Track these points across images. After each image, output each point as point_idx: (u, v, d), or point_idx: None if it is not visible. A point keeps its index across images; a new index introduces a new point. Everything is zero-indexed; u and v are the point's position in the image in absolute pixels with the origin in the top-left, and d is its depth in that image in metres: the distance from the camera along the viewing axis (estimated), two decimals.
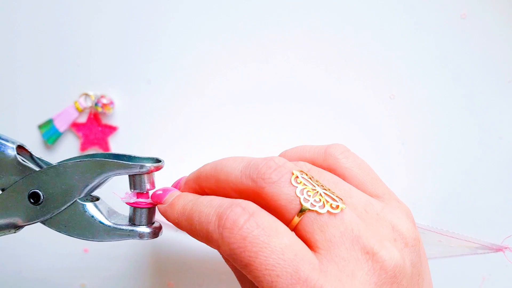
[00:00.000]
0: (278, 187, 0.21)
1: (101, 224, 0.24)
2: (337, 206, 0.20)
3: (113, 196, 0.27)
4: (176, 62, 0.49)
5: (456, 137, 0.50)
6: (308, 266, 0.19)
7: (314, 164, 0.24)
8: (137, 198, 0.25)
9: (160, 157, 0.26)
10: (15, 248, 0.52)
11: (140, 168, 0.24)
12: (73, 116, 0.49)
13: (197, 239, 0.23)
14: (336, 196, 0.21)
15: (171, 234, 0.51)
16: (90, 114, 0.50)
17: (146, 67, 0.49)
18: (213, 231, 0.20)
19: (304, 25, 0.49)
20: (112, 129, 0.50)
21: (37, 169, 0.25)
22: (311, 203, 0.20)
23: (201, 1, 0.49)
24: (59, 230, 0.25)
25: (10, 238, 0.50)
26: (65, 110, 0.49)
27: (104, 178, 0.25)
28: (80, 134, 0.50)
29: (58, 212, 0.25)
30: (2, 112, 0.50)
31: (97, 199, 0.26)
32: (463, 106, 0.50)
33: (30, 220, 0.25)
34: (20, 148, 0.26)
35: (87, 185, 0.25)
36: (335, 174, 0.24)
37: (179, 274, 0.52)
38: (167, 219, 0.24)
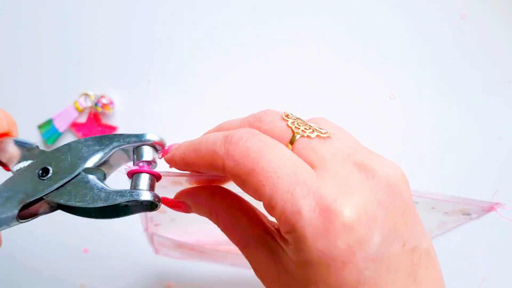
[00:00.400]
0: (272, 124, 0.23)
1: (102, 190, 0.24)
2: (326, 133, 0.22)
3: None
4: (176, 63, 0.49)
5: (456, 137, 0.50)
6: (306, 173, 0.20)
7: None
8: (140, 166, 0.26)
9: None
10: (16, 249, 0.52)
11: (143, 138, 0.25)
12: (73, 116, 0.49)
13: (201, 168, 0.23)
14: (323, 129, 0.23)
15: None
16: (90, 114, 0.50)
17: (146, 68, 0.49)
18: (219, 149, 0.22)
19: (305, 25, 0.49)
20: (112, 129, 0.50)
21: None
22: (302, 130, 0.22)
23: (201, 2, 0.49)
24: (61, 202, 0.24)
25: (11, 238, 0.50)
26: (65, 110, 0.49)
27: (111, 149, 0.25)
28: (80, 134, 0.50)
29: (63, 183, 0.25)
30: None
31: (104, 175, 0.26)
32: (463, 106, 0.50)
33: (36, 193, 0.25)
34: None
35: (93, 155, 0.25)
36: None
37: (180, 275, 0.52)
38: (173, 160, 0.25)
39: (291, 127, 0.22)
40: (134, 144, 0.25)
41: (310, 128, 0.22)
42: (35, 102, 0.50)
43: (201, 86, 0.50)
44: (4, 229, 0.25)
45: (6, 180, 0.25)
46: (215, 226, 0.25)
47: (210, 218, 0.25)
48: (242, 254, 0.24)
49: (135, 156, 0.26)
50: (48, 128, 0.49)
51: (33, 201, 0.25)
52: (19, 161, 0.26)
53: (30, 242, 0.51)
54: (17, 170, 0.26)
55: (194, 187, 0.26)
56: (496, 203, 0.31)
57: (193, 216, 0.27)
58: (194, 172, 0.25)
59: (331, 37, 0.49)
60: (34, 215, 0.26)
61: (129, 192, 0.23)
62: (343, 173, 0.21)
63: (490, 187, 0.50)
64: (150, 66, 0.49)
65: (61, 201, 0.24)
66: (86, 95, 0.49)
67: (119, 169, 0.27)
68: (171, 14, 0.49)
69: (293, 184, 0.20)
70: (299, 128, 0.22)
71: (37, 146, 0.27)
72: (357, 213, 0.20)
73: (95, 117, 0.49)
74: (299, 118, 0.23)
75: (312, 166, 0.21)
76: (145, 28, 0.49)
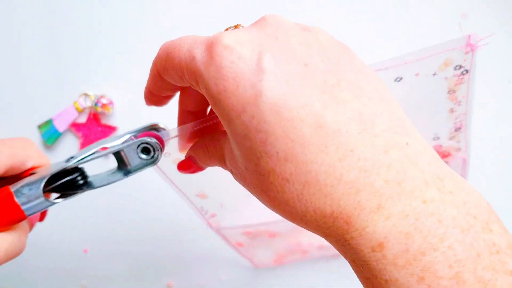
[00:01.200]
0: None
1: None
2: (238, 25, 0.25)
3: None
4: None
5: None
6: (206, 36, 0.23)
7: None
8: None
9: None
10: None
11: (141, 129, 0.32)
12: (72, 116, 0.49)
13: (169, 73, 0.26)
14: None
15: (171, 234, 0.52)
16: (89, 114, 0.50)
17: (146, 68, 0.49)
18: (154, 61, 0.27)
19: None
20: (111, 129, 0.50)
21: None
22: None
23: (201, 2, 0.49)
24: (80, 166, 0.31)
25: None
26: (64, 110, 0.49)
27: (123, 142, 0.31)
28: (80, 134, 0.50)
29: (81, 158, 0.30)
30: (3, 112, 0.50)
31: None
32: None
33: (58, 168, 0.30)
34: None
35: (110, 143, 0.31)
36: None
37: (179, 274, 0.52)
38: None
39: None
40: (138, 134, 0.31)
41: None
42: (35, 102, 0.50)
43: None
44: (39, 209, 0.29)
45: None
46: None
47: (206, 155, 0.28)
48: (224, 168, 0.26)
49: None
50: (48, 128, 0.49)
51: (55, 175, 0.29)
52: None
53: (31, 242, 0.51)
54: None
55: (191, 146, 0.29)
56: (469, 35, 0.30)
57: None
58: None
59: None
60: (64, 195, 0.31)
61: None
62: (241, 29, 0.23)
63: (495, 186, 0.50)
64: (149, 67, 0.49)
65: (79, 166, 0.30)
66: (86, 95, 0.49)
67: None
68: (172, 15, 0.49)
69: (192, 45, 0.23)
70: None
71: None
72: (235, 39, 0.21)
73: (94, 117, 0.49)
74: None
75: None
76: (145, 28, 0.49)
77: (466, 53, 0.31)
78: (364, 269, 0.19)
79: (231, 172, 0.25)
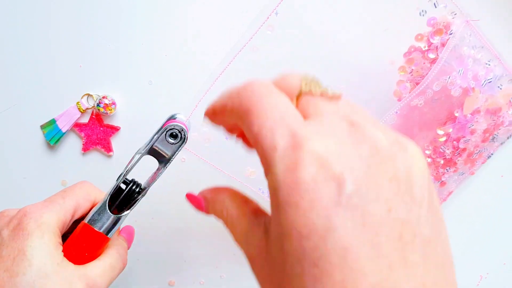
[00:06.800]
0: (289, 80, 0.24)
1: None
2: (332, 93, 0.23)
3: None
4: (177, 64, 0.50)
5: None
6: (294, 118, 0.21)
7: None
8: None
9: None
10: None
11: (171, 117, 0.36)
12: (75, 116, 0.50)
13: (225, 114, 0.25)
14: (336, 92, 0.23)
15: (172, 231, 0.52)
16: (92, 114, 0.50)
17: (148, 68, 0.50)
18: (235, 94, 0.24)
19: None
20: (114, 129, 0.50)
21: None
22: (310, 89, 0.23)
23: (201, 4, 0.49)
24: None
25: None
26: (67, 110, 0.50)
27: (154, 135, 0.36)
28: (83, 134, 0.50)
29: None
30: (6, 112, 0.50)
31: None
32: None
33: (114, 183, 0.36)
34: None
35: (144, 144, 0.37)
36: None
37: (180, 272, 0.53)
38: (208, 111, 0.27)
39: (301, 85, 0.23)
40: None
41: (319, 88, 0.23)
42: (38, 102, 0.50)
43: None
44: (113, 225, 0.36)
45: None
46: None
47: (221, 216, 0.26)
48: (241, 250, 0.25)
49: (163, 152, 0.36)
50: (51, 128, 0.50)
51: (114, 195, 0.36)
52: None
53: None
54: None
55: (213, 189, 0.27)
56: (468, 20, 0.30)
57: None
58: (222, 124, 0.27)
59: None
60: (129, 206, 0.37)
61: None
62: (332, 125, 0.21)
63: (500, 185, 0.50)
64: (152, 67, 0.50)
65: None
66: (89, 95, 0.50)
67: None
68: (173, 16, 0.49)
69: (278, 124, 0.21)
70: (309, 86, 0.23)
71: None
72: (328, 149, 0.19)
73: (97, 118, 0.50)
74: (317, 81, 0.24)
75: (308, 116, 0.22)
76: (146, 30, 0.49)
77: None
78: None
79: (246, 253, 0.24)
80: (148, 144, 0.35)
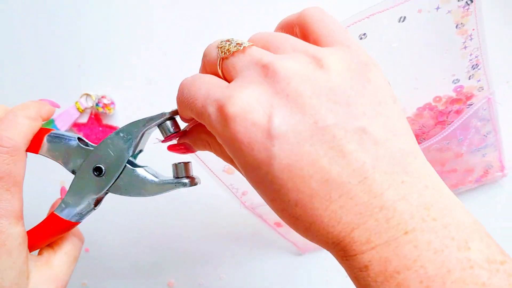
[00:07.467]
0: (210, 56, 0.27)
1: (152, 182, 0.31)
2: (240, 47, 0.25)
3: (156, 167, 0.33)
4: (176, 63, 0.50)
5: None
6: (217, 87, 0.25)
7: (291, 25, 0.29)
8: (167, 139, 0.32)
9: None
10: None
11: (162, 116, 0.30)
12: (74, 116, 0.50)
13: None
14: (244, 43, 0.26)
15: (171, 232, 0.52)
16: (91, 114, 0.50)
17: (147, 68, 0.50)
18: (178, 95, 0.27)
19: None
20: (113, 129, 0.50)
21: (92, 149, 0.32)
22: (224, 53, 0.26)
23: (201, 3, 0.49)
24: (121, 193, 0.32)
25: None
26: (66, 110, 0.49)
27: (140, 134, 0.31)
28: (81, 134, 0.50)
29: (117, 177, 0.31)
30: None
31: (145, 166, 0.33)
32: None
33: (100, 191, 0.32)
34: (79, 140, 0.33)
35: (131, 145, 0.31)
36: (302, 32, 0.27)
37: (180, 273, 0.52)
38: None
39: (218, 53, 0.26)
40: (158, 122, 0.31)
41: (230, 50, 0.26)
42: None
43: None
44: (85, 218, 0.33)
45: (73, 184, 0.32)
46: None
47: (205, 148, 0.31)
48: (234, 167, 0.29)
49: (162, 132, 0.31)
50: None
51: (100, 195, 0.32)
52: (70, 160, 0.32)
53: None
54: (74, 171, 0.32)
55: (189, 131, 0.31)
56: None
57: None
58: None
59: None
60: (100, 201, 0.33)
61: (174, 184, 0.31)
62: (250, 75, 0.24)
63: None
64: (151, 67, 0.50)
65: (121, 194, 0.32)
66: (87, 95, 0.49)
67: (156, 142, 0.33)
68: (172, 16, 0.49)
69: (205, 99, 0.25)
70: (223, 52, 0.26)
71: (78, 138, 0.33)
72: (246, 102, 0.23)
73: (96, 117, 0.50)
74: (228, 40, 0.26)
75: (232, 79, 0.25)
76: (146, 29, 0.49)
77: None
78: (354, 282, 0.23)
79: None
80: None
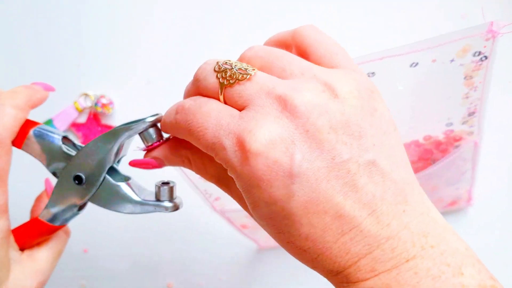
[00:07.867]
0: (205, 81, 0.26)
1: (132, 201, 0.30)
2: (245, 75, 0.25)
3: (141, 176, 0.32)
4: (176, 63, 0.50)
5: None
6: (229, 117, 0.24)
7: (284, 43, 0.28)
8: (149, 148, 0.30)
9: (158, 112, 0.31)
10: None
11: (143, 124, 0.29)
12: (72, 116, 0.49)
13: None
14: (248, 69, 0.25)
15: (171, 233, 0.52)
16: (89, 114, 0.50)
17: (146, 68, 0.49)
18: (173, 119, 0.26)
19: None
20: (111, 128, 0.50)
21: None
22: (226, 80, 0.25)
23: (201, 4, 0.49)
24: (101, 205, 0.31)
25: None
26: (64, 110, 0.49)
27: (121, 142, 0.29)
28: (80, 134, 0.50)
29: (99, 186, 0.30)
30: None
31: (129, 178, 0.31)
32: None
33: (82, 198, 0.31)
34: (65, 139, 0.31)
35: (111, 154, 0.29)
36: (299, 51, 0.27)
37: (179, 274, 0.52)
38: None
39: (218, 80, 0.25)
40: (138, 130, 0.29)
41: (233, 77, 0.25)
42: None
43: None
44: (70, 221, 0.32)
45: (56, 189, 0.31)
46: None
47: (183, 165, 0.29)
48: (218, 187, 0.29)
49: (143, 140, 0.30)
50: None
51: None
52: (52, 163, 0.31)
53: None
54: (54, 173, 0.31)
55: (163, 147, 0.30)
56: (491, 22, 0.30)
57: None
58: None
59: None
60: (84, 206, 0.32)
61: (154, 207, 0.30)
62: (264, 106, 0.23)
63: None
64: (150, 66, 0.50)
65: (101, 205, 0.30)
66: (86, 95, 0.49)
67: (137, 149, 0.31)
68: (172, 16, 0.49)
69: (218, 130, 0.24)
70: (225, 79, 0.25)
71: (64, 137, 0.32)
72: (268, 139, 0.23)
73: (94, 117, 0.50)
74: (229, 63, 0.25)
75: (240, 108, 0.24)
76: (145, 28, 0.49)
77: (487, 39, 0.31)
78: None
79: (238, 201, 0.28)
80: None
